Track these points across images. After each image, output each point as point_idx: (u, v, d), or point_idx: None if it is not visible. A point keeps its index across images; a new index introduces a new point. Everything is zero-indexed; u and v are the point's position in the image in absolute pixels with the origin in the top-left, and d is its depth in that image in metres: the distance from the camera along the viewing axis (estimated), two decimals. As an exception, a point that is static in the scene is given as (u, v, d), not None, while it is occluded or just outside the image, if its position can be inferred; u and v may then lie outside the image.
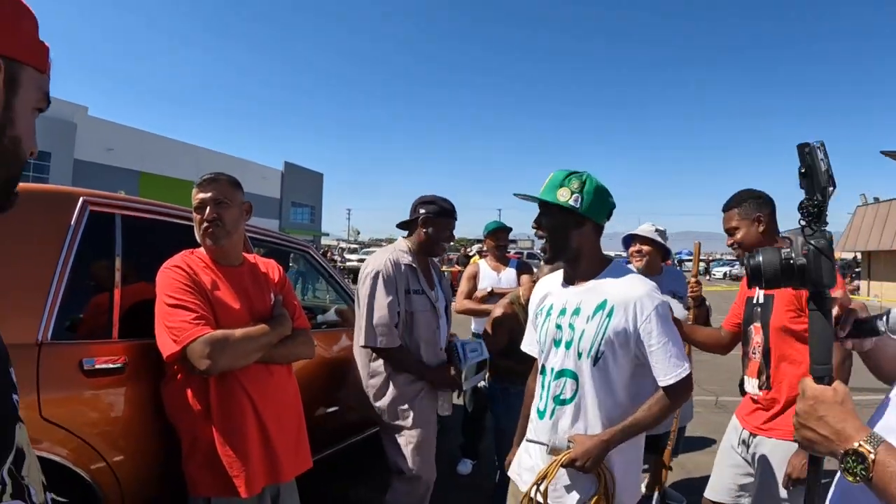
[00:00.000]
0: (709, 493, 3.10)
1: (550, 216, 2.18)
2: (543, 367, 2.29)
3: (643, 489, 4.23)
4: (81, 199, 2.48)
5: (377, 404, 3.10)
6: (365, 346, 3.07)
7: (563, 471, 2.16)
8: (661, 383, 2.07)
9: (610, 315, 2.09)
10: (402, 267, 3.15)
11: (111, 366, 2.31)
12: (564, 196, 2.11)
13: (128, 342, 2.43)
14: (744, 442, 2.86)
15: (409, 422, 3.09)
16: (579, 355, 2.14)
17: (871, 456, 1.06)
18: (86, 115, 40.40)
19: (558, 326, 2.22)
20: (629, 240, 4.31)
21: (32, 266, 2.24)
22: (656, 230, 4.14)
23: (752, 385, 2.82)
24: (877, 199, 34.56)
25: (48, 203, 2.41)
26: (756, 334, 2.82)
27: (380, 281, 3.05)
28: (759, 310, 2.83)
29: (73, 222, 2.39)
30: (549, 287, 2.37)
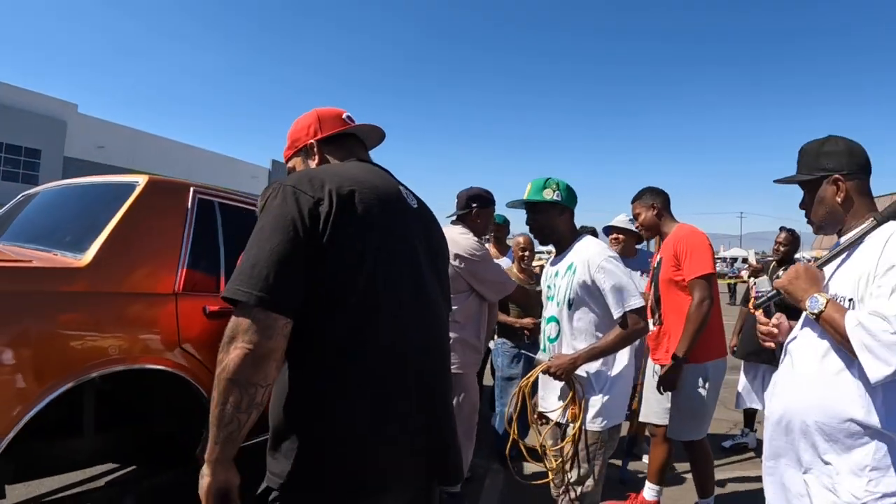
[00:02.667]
0: (642, 418, 4.19)
1: (540, 212, 3.03)
2: (546, 317, 3.13)
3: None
4: (192, 188, 3.27)
5: None
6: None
7: (551, 383, 2.98)
8: (616, 314, 2.80)
9: (574, 272, 2.90)
10: None
11: (220, 311, 3.03)
12: (549, 194, 2.98)
13: None
14: (656, 372, 3.89)
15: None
16: (558, 304, 2.99)
17: (823, 300, 1.83)
18: (76, 112, 40.58)
19: (549, 286, 3.12)
20: (608, 230, 5.31)
21: (168, 237, 3.02)
22: (630, 220, 4.99)
23: (650, 323, 3.83)
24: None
25: (175, 191, 3.21)
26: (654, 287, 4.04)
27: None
28: (656, 270, 4.00)
29: (189, 205, 3.18)
30: (548, 265, 3.25)
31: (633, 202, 4.17)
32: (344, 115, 1.97)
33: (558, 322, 2.99)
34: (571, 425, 2.86)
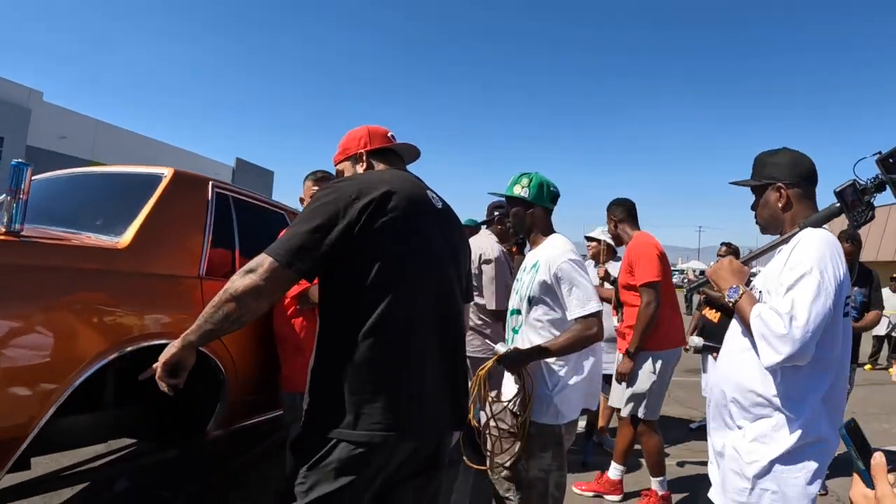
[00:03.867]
0: (609, 402, 4.91)
1: (511, 205, 3.17)
2: (510, 309, 3.23)
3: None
4: (210, 182, 3.56)
5: None
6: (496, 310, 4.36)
7: (508, 375, 3.07)
8: (570, 316, 2.87)
9: (537, 269, 2.98)
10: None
11: None
12: (518, 190, 3.11)
13: None
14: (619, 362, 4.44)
15: None
16: (521, 299, 3.07)
17: (740, 291, 2.16)
18: (41, 100, 39.85)
19: (518, 279, 3.21)
20: (587, 239, 6.09)
21: (193, 225, 3.31)
22: (604, 232, 5.49)
23: (615, 320, 4.80)
24: None
25: (197, 184, 3.51)
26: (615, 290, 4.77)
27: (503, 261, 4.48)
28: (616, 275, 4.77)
29: (209, 198, 3.46)
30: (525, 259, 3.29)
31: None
32: (389, 134, 2.38)
33: (520, 315, 3.08)
34: (520, 416, 2.94)
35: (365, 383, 1.91)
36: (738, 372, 2.22)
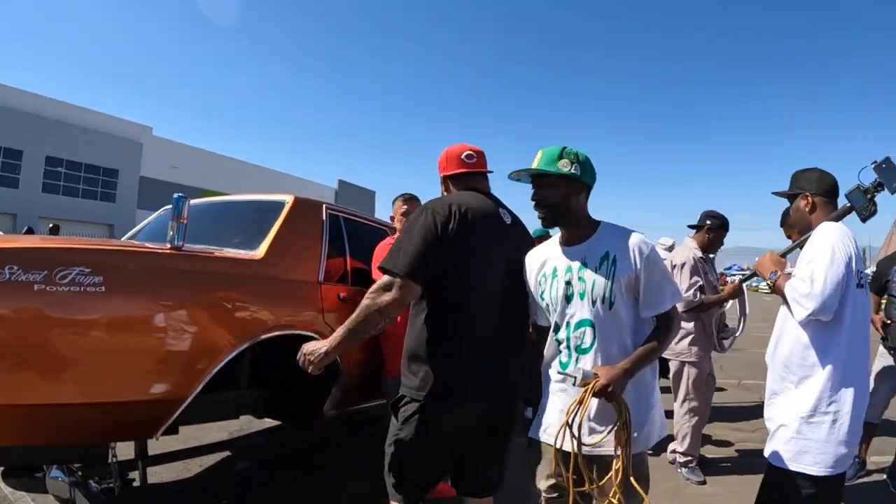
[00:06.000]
0: None
1: (552, 186, 2.50)
2: (557, 324, 2.56)
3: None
4: (324, 205, 4.26)
5: None
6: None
7: (594, 408, 2.40)
8: (663, 309, 2.45)
9: (615, 263, 2.42)
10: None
11: (348, 297, 3.99)
12: (566, 166, 2.45)
13: (355, 287, 4.15)
14: None
15: None
16: (593, 303, 2.42)
17: (777, 274, 2.78)
18: (151, 134, 42.96)
19: (568, 283, 2.49)
20: None
21: (313, 241, 4.01)
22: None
23: None
24: None
25: (314, 207, 4.21)
26: None
27: (687, 268, 5.03)
28: None
29: (324, 218, 4.16)
30: (546, 254, 2.66)
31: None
32: (463, 155, 2.92)
33: (594, 326, 2.45)
34: (616, 456, 2.32)
35: (441, 360, 2.55)
36: (784, 344, 2.81)
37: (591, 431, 2.41)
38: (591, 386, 2.26)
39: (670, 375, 5.40)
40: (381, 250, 4.05)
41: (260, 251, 3.62)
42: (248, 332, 3.33)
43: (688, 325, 5.05)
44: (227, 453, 5.21)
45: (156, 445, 3.64)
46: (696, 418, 5.08)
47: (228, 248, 3.73)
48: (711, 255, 5.49)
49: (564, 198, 2.50)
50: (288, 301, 3.68)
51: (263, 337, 3.43)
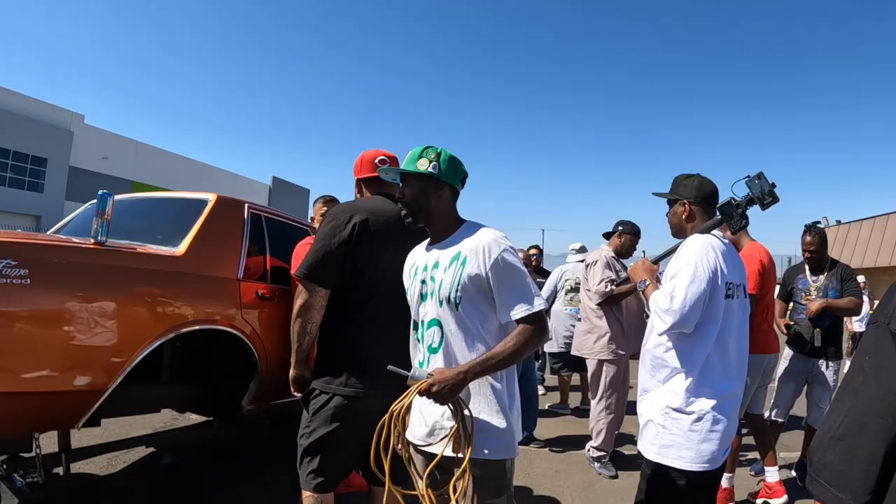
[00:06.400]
0: None
1: (411, 185, 2.48)
2: (416, 322, 2.53)
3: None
4: (246, 204, 4.45)
5: None
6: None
7: (430, 409, 2.36)
8: (516, 316, 2.28)
9: (464, 263, 2.32)
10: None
11: (267, 294, 4.20)
12: (424, 165, 2.44)
13: (275, 285, 4.35)
14: None
15: None
16: (440, 303, 2.37)
17: (647, 283, 3.03)
18: (82, 123, 41.41)
19: (423, 282, 2.47)
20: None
21: (233, 239, 4.18)
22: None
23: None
24: (839, 222, 36.98)
25: (236, 206, 4.38)
26: None
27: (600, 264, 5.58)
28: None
29: (245, 217, 4.35)
30: (416, 253, 2.65)
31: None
32: (377, 160, 3.19)
33: (441, 325, 2.40)
34: (451, 458, 2.26)
35: (350, 356, 2.84)
36: (651, 344, 2.95)
37: (432, 432, 2.38)
38: (417, 385, 2.22)
39: (588, 374, 5.74)
40: (300, 250, 4.26)
41: (181, 248, 3.79)
42: (167, 327, 3.48)
43: (601, 324, 5.41)
44: (152, 449, 5.32)
45: (80, 440, 3.75)
46: (612, 416, 5.37)
47: (151, 244, 3.88)
48: (624, 260, 5.80)
49: (423, 196, 2.47)
50: (207, 297, 3.84)
51: (183, 331, 3.59)
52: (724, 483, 4.67)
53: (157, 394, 4.21)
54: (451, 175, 2.48)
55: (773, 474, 4.77)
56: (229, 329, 3.88)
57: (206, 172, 51.01)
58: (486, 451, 2.27)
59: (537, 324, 2.29)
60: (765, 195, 2.99)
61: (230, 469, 5.03)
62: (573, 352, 5.98)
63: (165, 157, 48.13)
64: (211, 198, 4.23)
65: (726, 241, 2.97)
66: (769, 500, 4.73)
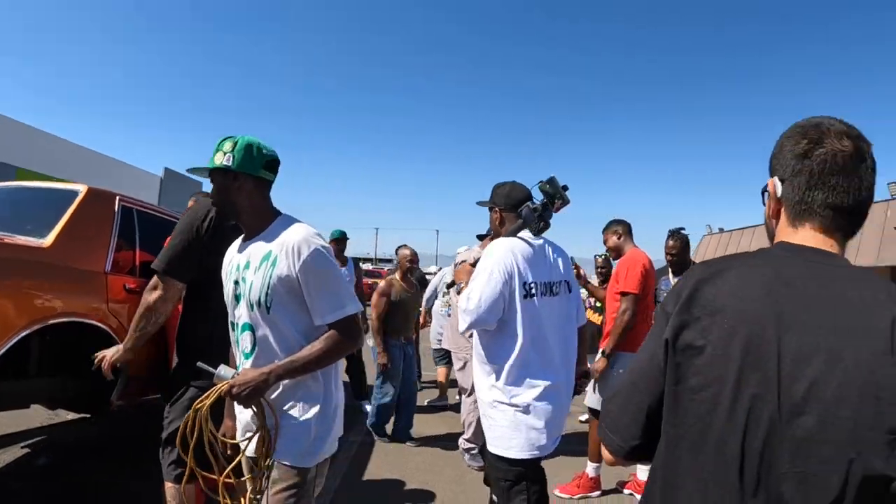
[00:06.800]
0: (586, 402, 5.19)
1: (215, 181, 2.37)
2: (232, 323, 2.41)
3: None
4: (118, 197, 4.50)
5: None
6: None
7: (244, 410, 2.32)
8: (326, 320, 2.22)
9: (274, 263, 2.21)
10: None
11: (136, 288, 4.23)
12: (219, 159, 2.31)
13: (142, 279, 4.35)
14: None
15: None
16: (251, 306, 2.25)
17: (462, 285, 3.27)
18: (-41, 101, 39.09)
19: (236, 282, 2.35)
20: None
21: (102, 232, 4.23)
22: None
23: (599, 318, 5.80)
24: (721, 230, 38.32)
25: (106, 198, 4.43)
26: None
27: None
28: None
29: (116, 209, 4.40)
30: (231, 252, 2.51)
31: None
32: None
33: (253, 331, 2.30)
34: (260, 462, 2.24)
35: (202, 349, 2.81)
36: (475, 343, 3.20)
37: (246, 429, 2.36)
38: (217, 387, 2.19)
39: (455, 370, 5.98)
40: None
41: (48, 239, 3.81)
42: (31, 318, 3.47)
43: None
44: (27, 450, 5.24)
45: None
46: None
47: (20, 234, 3.87)
48: None
49: (223, 191, 2.36)
50: (73, 289, 3.86)
51: (49, 323, 3.59)
52: (590, 472, 4.98)
53: (24, 388, 4.14)
54: (249, 164, 2.33)
55: (643, 473, 4.85)
56: (95, 322, 3.91)
57: (96, 160, 48.15)
58: (288, 458, 2.24)
59: (348, 328, 2.25)
60: (555, 198, 3.15)
61: (119, 467, 5.00)
62: (443, 345, 6.41)
63: (54, 142, 44.88)
64: (82, 189, 4.26)
65: (534, 243, 3.16)
66: (635, 494, 4.98)
